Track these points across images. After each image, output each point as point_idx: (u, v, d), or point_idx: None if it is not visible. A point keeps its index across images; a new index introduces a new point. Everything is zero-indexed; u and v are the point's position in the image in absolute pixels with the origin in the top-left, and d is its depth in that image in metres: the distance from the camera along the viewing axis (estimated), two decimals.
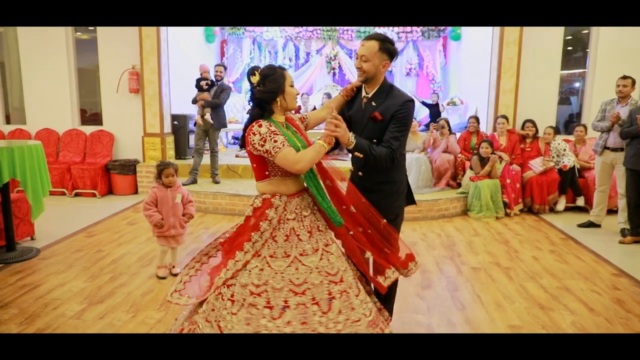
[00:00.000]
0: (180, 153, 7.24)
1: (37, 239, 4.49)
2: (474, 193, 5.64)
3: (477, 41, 7.73)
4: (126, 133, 6.94)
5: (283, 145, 1.96)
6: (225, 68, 6.97)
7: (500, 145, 6.12)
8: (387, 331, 2.14)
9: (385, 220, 2.25)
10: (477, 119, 6.46)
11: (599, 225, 5.13)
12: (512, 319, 3.00)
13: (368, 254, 2.20)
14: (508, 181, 5.77)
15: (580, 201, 5.82)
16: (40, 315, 2.94)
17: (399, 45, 9.62)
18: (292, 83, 2.12)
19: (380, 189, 2.34)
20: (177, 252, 3.73)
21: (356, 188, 2.29)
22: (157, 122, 6.76)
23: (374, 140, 2.24)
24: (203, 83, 6.25)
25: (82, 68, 7.10)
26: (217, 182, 6.26)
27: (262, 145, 1.96)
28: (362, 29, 9.56)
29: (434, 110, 8.70)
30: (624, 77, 4.72)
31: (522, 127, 6.21)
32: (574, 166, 5.80)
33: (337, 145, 2.19)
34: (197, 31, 8.71)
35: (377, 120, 2.26)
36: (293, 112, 2.27)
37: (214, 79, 6.32)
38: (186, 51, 7.85)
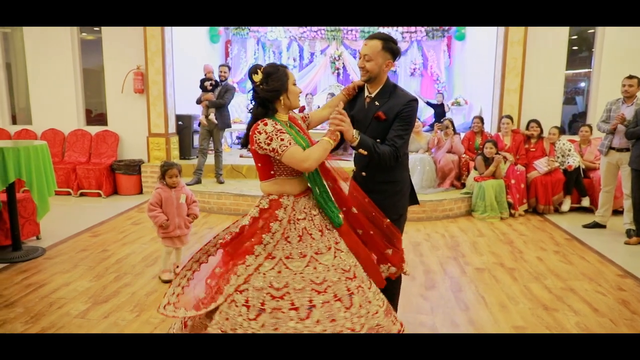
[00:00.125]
0: (184, 153, 7.27)
1: (42, 239, 4.52)
2: (479, 193, 5.62)
3: (482, 41, 7.71)
4: (131, 133, 6.97)
5: (290, 144, 1.94)
6: (230, 68, 6.99)
7: (504, 145, 6.10)
8: (397, 322, 2.16)
9: (388, 220, 2.25)
10: (481, 119, 6.44)
11: (604, 226, 5.11)
12: (516, 320, 2.99)
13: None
14: (512, 181, 5.75)
15: (586, 202, 5.79)
16: (45, 314, 2.96)
17: (403, 45, 9.60)
18: (294, 81, 2.12)
19: (384, 188, 2.34)
20: (181, 252, 3.74)
21: (359, 187, 2.29)
22: (162, 123, 6.79)
23: (377, 140, 2.24)
24: (207, 83, 6.26)
25: (87, 68, 7.13)
26: (221, 182, 6.27)
27: (269, 144, 1.95)
28: (366, 29, 9.53)
29: (439, 111, 8.68)
30: (630, 77, 4.69)
31: (527, 127, 6.18)
32: (579, 166, 5.77)
33: (341, 143, 2.18)
34: (202, 31, 8.74)
35: (381, 119, 2.26)
36: (296, 110, 2.27)
37: (218, 80, 6.33)
38: (191, 51, 7.87)
